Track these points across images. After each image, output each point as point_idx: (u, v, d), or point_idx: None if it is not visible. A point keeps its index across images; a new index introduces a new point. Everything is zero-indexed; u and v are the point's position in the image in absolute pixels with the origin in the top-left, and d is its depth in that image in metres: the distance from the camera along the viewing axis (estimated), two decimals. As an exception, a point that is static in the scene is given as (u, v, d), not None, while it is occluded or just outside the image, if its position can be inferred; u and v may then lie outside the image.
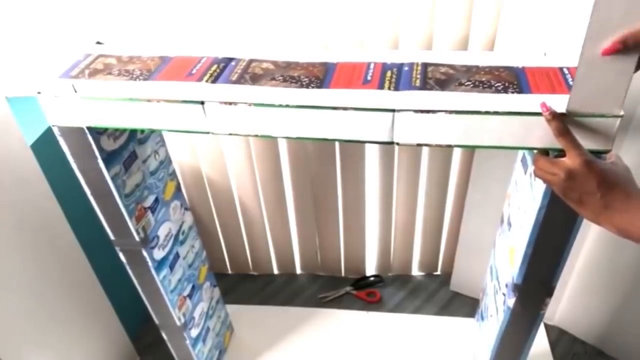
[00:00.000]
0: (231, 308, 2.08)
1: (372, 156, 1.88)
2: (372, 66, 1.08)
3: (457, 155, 1.88)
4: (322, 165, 1.90)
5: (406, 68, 1.06)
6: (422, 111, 0.97)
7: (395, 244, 2.18)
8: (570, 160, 0.88)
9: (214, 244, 2.22)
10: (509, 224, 1.42)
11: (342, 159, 1.87)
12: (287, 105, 1.01)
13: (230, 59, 1.13)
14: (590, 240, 1.73)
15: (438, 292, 2.19)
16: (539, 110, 0.91)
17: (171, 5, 1.50)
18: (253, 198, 2.04)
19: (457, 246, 2.04)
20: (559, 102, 0.91)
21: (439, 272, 2.28)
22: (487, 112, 0.94)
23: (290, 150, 1.88)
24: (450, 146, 1.01)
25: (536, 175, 0.96)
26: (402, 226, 2.11)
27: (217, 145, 1.86)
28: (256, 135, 1.07)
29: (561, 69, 1.02)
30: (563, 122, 0.89)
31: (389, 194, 1.99)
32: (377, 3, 1.48)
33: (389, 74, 1.05)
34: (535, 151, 0.98)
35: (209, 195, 2.05)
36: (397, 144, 1.03)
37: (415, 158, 1.87)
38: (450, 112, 0.96)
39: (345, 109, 1.00)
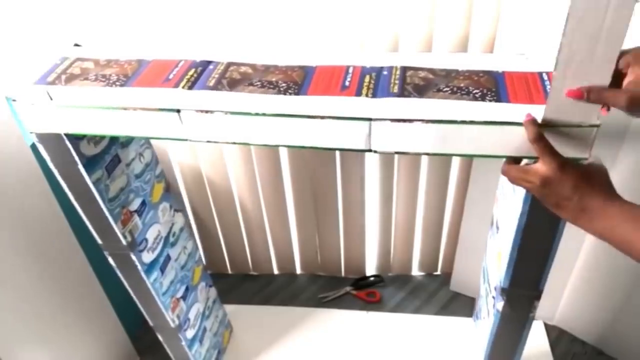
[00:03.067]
0: (230, 308, 2.09)
1: (372, 156, 1.87)
2: (350, 70, 1.07)
3: (457, 155, 1.87)
4: (322, 165, 1.90)
5: (385, 72, 1.05)
6: (398, 120, 0.96)
7: (395, 244, 2.18)
8: (543, 166, 0.87)
9: (214, 244, 2.22)
10: (497, 227, 1.41)
11: (342, 159, 1.87)
12: (263, 114, 1.01)
13: (209, 62, 1.13)
14: (589, 240, 1.71)
15: (438, 292, 2.18)
16: (515, 119, 0.90)
17: (150, 6, 1.50)
18: (253, 198, 2.03)
19: (457, 246, 2.03)
20: (536, 113, 0.89)
21: (439, 272, 2.27)
22: (463, 122, 0.93)
23: (290, 151, 1.88)
24: (427, 154, 1.00)
25: (512, 183, 0.95)
26: (402, 226, 2.10)
27: (217, 145, 1.86)
28: (234, 143, 1.07)
29: (540, 74, 1.00)
30: (539, 128, 0.88)
31: (389, 194, 1.98)
32: (375, 3, 1.47)
33: (367, 79, 1.04)
34: (504, 161, 0.97)
35: (209, 195, 2.05)
36: (375, 152, 1.02)
37: (415, 158, 1.86)
38: (427, 121, 0.95)
39: (322, 117, 0.99)
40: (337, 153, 1.84)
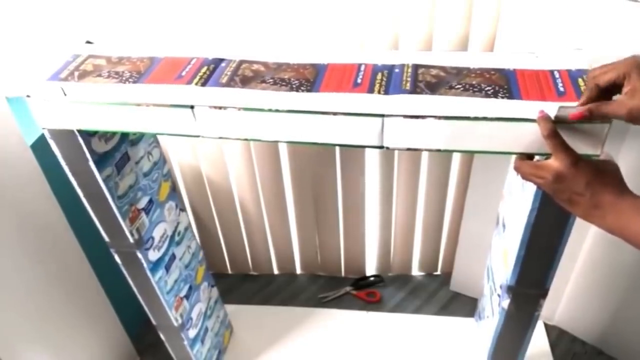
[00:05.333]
0: (231, 308, 2.09)
1: (372, 156, 1.87)
2: (362, 68, 1.07)
3: (457, 155, 1.87)
4: (322, 165, 1.90)
5: (397, 70, 1.05)
6: (411, 116, 0.97)
7: (395, 244, 2.18)
8: (557, 162, 0.87)
9: (214, 244, 2.22)
10: (504, 226, 1.42)
11: (342, 159, 1.87)
12: (276, 110, 1.01)
13: (221, 60, 1.13)
14: (589, 240, 1.72)
15: (438, 292, 2.19)
16: (527, 116, 0.91)
17: (162, 4, 1.50)
18: (253, 198, 2.03)
19: (457, 246, 2.04)
20: (548, 110, 0.90)
21: (439, 272, 2.27)
22: (475, 118, 0.94)
23: (290, 150, 1.88)
24: (439, 151, 1.01)
25: (524, 179, 0.95)
26: (402, 226, 2.10)
27: (217, 145, 1.86)
28: (246, 139, 1.07)
29: (552, 72, 1.01)
30: (553, 124, 0.89)
31: (389, 194, 1.98)
32: (376, 3, 1.47)
33: (379, 76, 1.04)
34: (515, 157, 0.97)
35: (209, 195, 2.05)
36: (387, 148, 1.02)
37: (415, 158, 1.86)
38: (439, 117, 0.96)
39: (334, 114, 0.99)
40: (338, 153, 1.85)
